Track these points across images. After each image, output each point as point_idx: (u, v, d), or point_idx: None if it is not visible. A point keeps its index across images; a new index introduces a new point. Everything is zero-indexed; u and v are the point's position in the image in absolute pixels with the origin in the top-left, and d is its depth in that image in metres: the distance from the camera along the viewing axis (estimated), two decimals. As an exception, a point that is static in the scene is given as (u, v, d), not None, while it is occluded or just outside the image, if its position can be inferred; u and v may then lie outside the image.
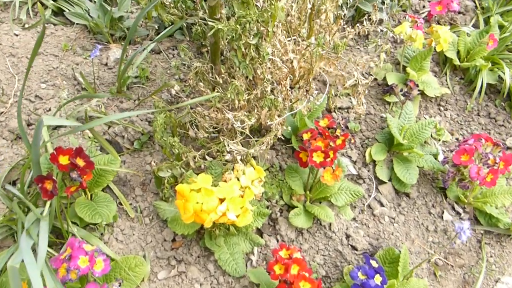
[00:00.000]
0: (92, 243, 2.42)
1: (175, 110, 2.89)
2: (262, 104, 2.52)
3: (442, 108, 3.65)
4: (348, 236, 2.85)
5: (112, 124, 3.04)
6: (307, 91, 2.68)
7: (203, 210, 2.24)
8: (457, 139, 3.48)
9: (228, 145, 2.58)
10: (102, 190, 2.66)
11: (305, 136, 2.58)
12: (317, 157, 2.52)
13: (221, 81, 2.60)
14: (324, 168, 2.55)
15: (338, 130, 2.60)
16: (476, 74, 3.72)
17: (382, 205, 3.04)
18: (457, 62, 3.72)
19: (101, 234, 2.59)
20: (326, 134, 2.54)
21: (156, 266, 2.59)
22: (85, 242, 2.08)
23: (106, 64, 3.46)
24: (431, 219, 3.03)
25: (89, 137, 2.96)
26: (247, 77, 2.45)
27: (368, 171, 3.14)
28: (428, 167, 3.07)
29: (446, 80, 3.75)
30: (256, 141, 2.70)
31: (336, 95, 3.39)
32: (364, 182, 3.11)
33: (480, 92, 3.62)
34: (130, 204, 2.79)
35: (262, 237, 2.74)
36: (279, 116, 2.54)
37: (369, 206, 3.04)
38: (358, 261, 2.74)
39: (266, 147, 2.60)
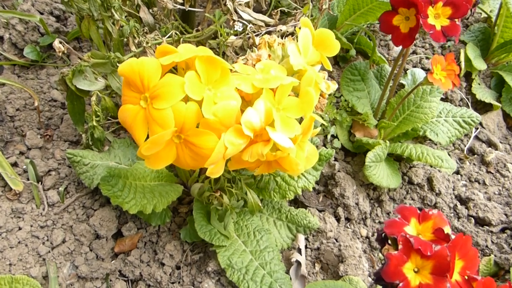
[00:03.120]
0: None
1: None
2: None
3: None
4: (463, 201, 1.48)
5: (-24, 16, 1.48)
6: None
7: (206, 123, 0.76)
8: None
9: (236, 11, 1.13)
10: None
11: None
12: (434, 19, 1.14)
13: None
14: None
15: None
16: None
17: (492, 146, 1.70)
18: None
19: None
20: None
21: (80, 299, 1.07)
22: None
23: None
24: None
25: None
26: None
27: (460, 90, 1.79)
28: (560, 77, 1.78)
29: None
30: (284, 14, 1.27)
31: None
32: (454, 111, 1.75)
33: None
34: (14, 164, 1.25)
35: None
36: None
37: (470, 150, 1.69)
38: (500, 244, 1.36)
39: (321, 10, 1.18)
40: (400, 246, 0.84)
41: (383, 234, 0.92)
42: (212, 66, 0.80)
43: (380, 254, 1.31)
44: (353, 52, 1.60)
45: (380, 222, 1.39)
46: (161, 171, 1.14)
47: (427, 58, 1.82)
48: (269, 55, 0.99)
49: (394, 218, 0.91)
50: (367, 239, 1.35)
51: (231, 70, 0.85)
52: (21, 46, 1.47)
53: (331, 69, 1.03)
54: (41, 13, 1.57)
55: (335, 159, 1.45)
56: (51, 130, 1.35)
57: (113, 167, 1.09)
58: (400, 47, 1.86)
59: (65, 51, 1.05)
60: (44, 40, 1.48)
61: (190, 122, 0.77)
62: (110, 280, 1.12)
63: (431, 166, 1.51)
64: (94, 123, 1.15)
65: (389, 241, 0.91)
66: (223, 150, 0.79)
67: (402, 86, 1.71)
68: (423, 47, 1.85)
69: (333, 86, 1.02)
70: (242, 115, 0.80)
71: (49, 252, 1.11)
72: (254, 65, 0.95)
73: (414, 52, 1.83)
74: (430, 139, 1.61)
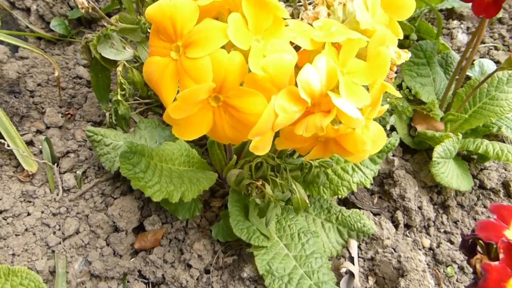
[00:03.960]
0: None
1: None
2: None
3: None
4: (546, 213, 1.22)
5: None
6: None
7: (252, 81, 0.58)
8: None
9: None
10: None
11: None
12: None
13: None
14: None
15: None
16: None
17: None
18: None
19: None
20: None
21: (92, 301, 0.90)
22: None
23: None
24: None
25: None
26: None
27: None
28: None
29: None
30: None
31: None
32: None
33: None
34: (29, 143, 1.11)
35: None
36: None
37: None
38: None
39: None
40: (501, 255, 0.63)
41: (470, 240, 0.72)
42: (263, 10, 0.62)
43: (448, 270, 1.10)
44: (414, 36, 1.40)
45: (446, 232, 1.18)
46: (192, 155, 0.97)
47: (496, 48, 1.60)
48: (329, 14, 0.81)
49: (489, 219, 0.71)
50: (431, 251, 1.13)
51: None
52: (48, 19, 1.35)
53: (401, 36, 0.84)
54: (72, -13, 1.45)
55: (393, 155, 1.25)
56: (73, 109, 1.21)
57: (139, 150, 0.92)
58: (466, 36, 1.66)
59: (90, 10, 0.91)
60: (73, 13, 1.36)
61: (232, 78, 0.60)
62: (128, 282, 0.96)
63: (505, 170, 1.29)
64: (119, 97, 1.00)
65: (480, 249, 0.71)
66: (273, 117, 0.61)
67: (468, 78, 1.48)
68: (491, 36, 1.63)
69: (405, 55, 0.83)
70: (298, 75, 0.62)
71: (60, 243, 0.96)
72: (311, 24, 0.77)
73: (482, 42, 1.61)
74: (502, 139, 1.38)
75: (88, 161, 1.11)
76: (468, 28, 1.62)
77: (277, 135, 0.71)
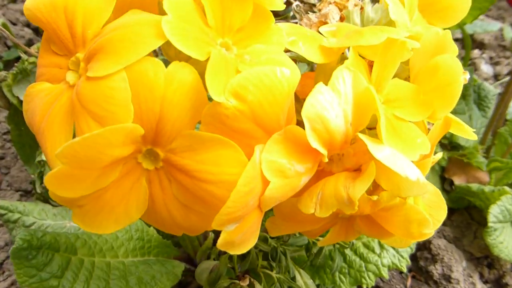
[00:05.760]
0: None
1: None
2: None
3: None
4: None
5: None
6: None
7: (217, 118, 0.29)
8: None
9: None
10: None
11: None
12: None
13: None
14: None
15: None
16: None
17: None
18: None
19: None
20: None
21: None
22: None
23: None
24: None
25: None
26: None
27: None
28: None
29: None
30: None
31: None
32: None
33: None
34: None
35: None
36: None
37: None
38: None
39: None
40: None
41: None
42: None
43: None
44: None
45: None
46: (148, 238, 0.66)
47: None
48: (341, 18, 0.53)
49: None
50: None
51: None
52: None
53: (457, 51, 0.57)
54: (14, 24, 1.19)
55: (426, 219, 0.94)
56: (0, 175, 0.91)
57: (57, 229, 0.61)
58: (490, 67, 1.42)
59: None
60: (10, 53, 1.09)
61: (176, 115, 0.31)
62: None
63: None
64: (44, 157, 0.70)
65: None
66: (259, 186, 0.32)
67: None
68: (521, 66, 1.38)
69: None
70: (304, 107, 0.33)
71: None
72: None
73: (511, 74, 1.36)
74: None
75: (9, 247, 0.79)
76: (491, 58, 1.38)
77: (268, 213, 0.41)
